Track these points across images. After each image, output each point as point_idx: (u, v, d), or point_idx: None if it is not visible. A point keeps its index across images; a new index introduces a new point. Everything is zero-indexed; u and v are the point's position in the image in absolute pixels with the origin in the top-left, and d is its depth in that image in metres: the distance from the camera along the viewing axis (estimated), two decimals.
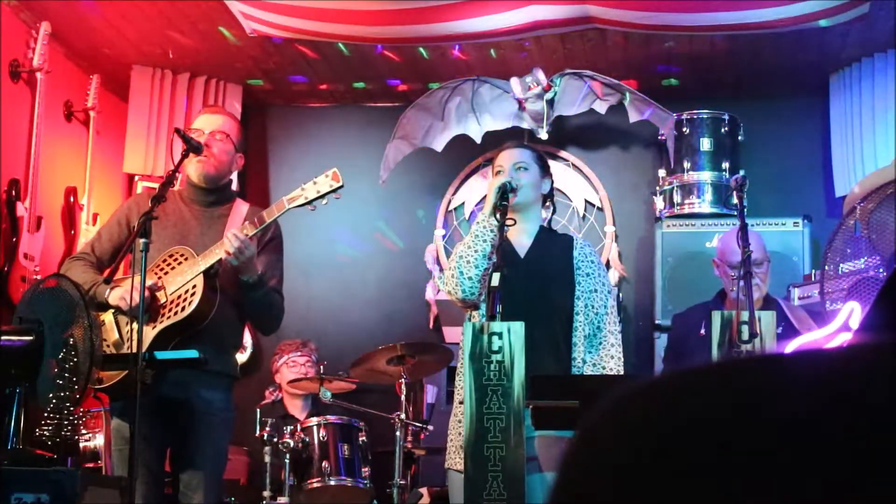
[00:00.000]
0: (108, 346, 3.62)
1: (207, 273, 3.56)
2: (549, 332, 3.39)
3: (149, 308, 3.53)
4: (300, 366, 5.55)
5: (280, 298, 3.80)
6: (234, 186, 6.17)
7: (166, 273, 3.61)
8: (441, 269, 6.23)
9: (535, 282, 3.46)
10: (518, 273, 3.34)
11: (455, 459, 3.40)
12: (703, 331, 4.14)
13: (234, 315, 3.72)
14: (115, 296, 3.58)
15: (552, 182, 3.69)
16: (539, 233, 3.60)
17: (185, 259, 3.61)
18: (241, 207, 3.82)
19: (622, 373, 3.52)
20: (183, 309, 3.54)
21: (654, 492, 0.50)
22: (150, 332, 3.53)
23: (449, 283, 3.41)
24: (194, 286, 3.55)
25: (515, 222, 3.47)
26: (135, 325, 3.46)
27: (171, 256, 3.63)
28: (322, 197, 3.60)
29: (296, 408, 5.50)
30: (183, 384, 3.59)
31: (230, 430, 3.82)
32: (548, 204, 3.73)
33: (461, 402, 3.40)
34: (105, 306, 3.63)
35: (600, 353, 3.46)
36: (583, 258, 3.55)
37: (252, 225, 3.59)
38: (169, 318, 3.55)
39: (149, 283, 3.53)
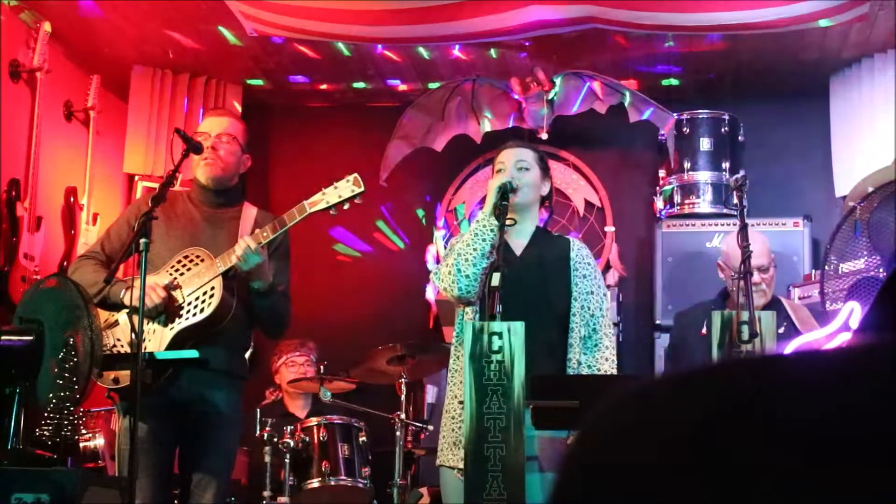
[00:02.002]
0: (122, 345, 3.62)
1: (225, 276, 3.56)
2: (545, 332, 3.38)
3: (166, 309, 3.53)
4: (299, 365, 5.55)
5: (288, 303, 3.80)
6: None
7: (182, 274, 3.60)
8: None
9: (530, 281, 3.46)
10: (513, 272, 3.34)
11: (448, 456, 3.39)
12: (704, 330, 4.14)
13: (244, 317, 3.72)
14: (131, 296, 3.58)
15: (552, 184, 3.69)
16: (535, 233, 3.60)
17: (202, 261, 3.60)
18: (251, 211, 3.82)
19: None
20: (202, 311, 3.54)
21: (654, 492, 0.50)
22: (167, 333, 3.54)
23: (445, 279, 3.39)
24: (212, 288, 3.55)
25: (516, 222, 3.47)
26: (151, 326, 3.48)
27: (186, 258, 3.62)
28: (344, 202, 3.58)
29: (296, 407, 5.50)
30: (193, 385, 3.59)
31: (239, 430, 3.82)
32: (546, 205, 3.72)
33: (454, 398, 3.40)
34: (120, 306, 3.63)
35: (595, 356, 3.47)
36: (580, 260, 3.55)
37: (272, 228, 3.58)
38: (187, 318, 3.55)
39: (165, 281, 3.53)
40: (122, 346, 3.61)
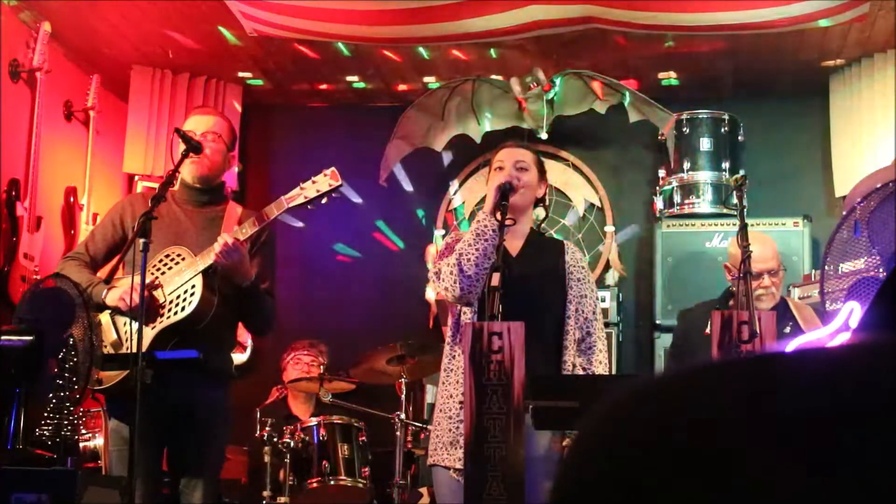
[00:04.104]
0: (106, 346, 3.62)
1: (206, 273, 3.56)
2: (540, 334, 3.38)
3: (147, 308, 3.52)
4: (304, 364, 5.58)
5: (272, 300, 3.80)
6: (234, 186, 6.19)
7: (163, 273, 3.61)
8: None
9: (526, 282, 3.46)
10: (510, 273, 3.34)
11: (442, 455, 3.39)
12: (707, 329, 4.14)
13: (230, 315, 3.72)
14: (114, 296, 3.57)
15: (547, 187, 3.70)
16: (530, 235, 3.60)
17: (183, 259, 3.61)
18: (236, 209, 3.82)
19: None
20: (183, 309, 3.54)
21: (656, 490, 0.50)
22: (149, 333, 3.53)
23: (446, 279, 3.39)
24: (193, 286, 3.55)
25: (515, 222, 3.47)
26: (133, 325, 3.46)
27: (167, 256, 3.63)
28: (321, 196, 3.60)
29: (299, 407, 5.51)
30: (181, 384, 3.58)
31: (228, 428, 3.82)
32: (541, 206, 3.73)
33: (450, 397, 3.40)
34: (102, 307, 3.63)
35: (590, 359, 3.48)
36: (574, 263, 3.56)
37: (252, 224, 3.59)
38: (168, 317, 3.55)
39: (146, 281, 3.52)
40: (105, 347, 3.60)
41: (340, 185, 3.62)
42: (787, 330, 4.17)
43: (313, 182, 3.61)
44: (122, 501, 3.40)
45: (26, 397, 3.46)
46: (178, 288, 3.57)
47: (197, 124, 3.80)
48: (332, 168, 3.64)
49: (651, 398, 0.54)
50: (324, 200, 3.62)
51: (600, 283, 6.00)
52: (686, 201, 5.98)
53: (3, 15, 5.29)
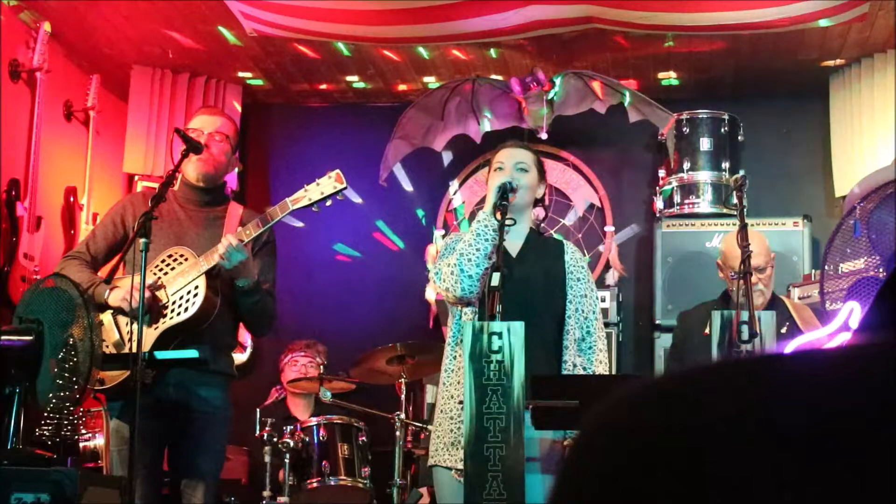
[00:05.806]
0: (107, 346, 3.61)
1: (209, 274, 3.55)
2: (540, 333, 3.38)
3: (150, 309, 3.52)
4: (301, 365, 5.57)
5: (273, 301, 3.80)
6: (234, 186, 6.19)
7: (166, 273, 3.60)
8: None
9: (526, 283, 3.46)
10: (510, 273, 3.34)
11: (444, 456, 3.39)
12: (706, 330, 4.14)
13: (230, 315, 3.72)
14: (116, 297, 3.57)
15: (547, 187, 3.70)
16: (529, 235, 3.61)
17: (186, 259, 3.60)
18: (237, 210, 3.82)
19: None
20: (186, 310, 3.53)
21: (654, 494, 0.50)
22: (152, 333, 3.53)
23: (447, 279, 3.39)
24: (196, 287, 3.55)
25: (515, 222, 3.47)
26: (135, 326, 3.46)
27: (169, 257, 3.62)
28: (325, 198, 3.60)
29: (298, 408, 5.51)
30: (181, 384, 3.59)
31: (228, 428, 3.82)
32: (541, 206, 3.73)
33: (451, 398, 3.40)
34: (104, 307, 3.62)
35: (590, 358, 3.48)
36: (574, 263, 3.56)
37: (255, 226, 3.59)
38: (172, 318, 3.55)
39: (149, 281, 3.52)
40: (107, 347, 3.60)
41: (345, 188, 3.62)
42: (784, 330, 4.17)
43: (317, 184, 3.61)
44: (122, 501, 3.40)
45: (26, 397, 3.46)
46: (181, 289, 3.57)
47: (204, 123, 3.80)
48: (337, 171, 3.63)
49: (651, 401, 0.54)
50: (328, 203, 3.62)
51: (600, 283, 6.00)
52: (686, 201, 5.98)
53: (3, 15, 5.29)
